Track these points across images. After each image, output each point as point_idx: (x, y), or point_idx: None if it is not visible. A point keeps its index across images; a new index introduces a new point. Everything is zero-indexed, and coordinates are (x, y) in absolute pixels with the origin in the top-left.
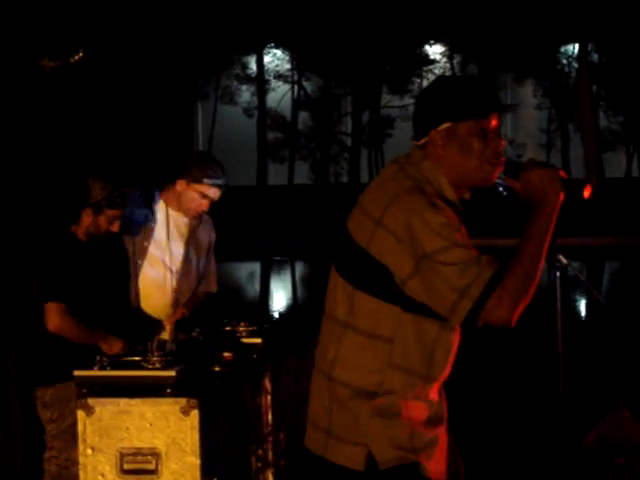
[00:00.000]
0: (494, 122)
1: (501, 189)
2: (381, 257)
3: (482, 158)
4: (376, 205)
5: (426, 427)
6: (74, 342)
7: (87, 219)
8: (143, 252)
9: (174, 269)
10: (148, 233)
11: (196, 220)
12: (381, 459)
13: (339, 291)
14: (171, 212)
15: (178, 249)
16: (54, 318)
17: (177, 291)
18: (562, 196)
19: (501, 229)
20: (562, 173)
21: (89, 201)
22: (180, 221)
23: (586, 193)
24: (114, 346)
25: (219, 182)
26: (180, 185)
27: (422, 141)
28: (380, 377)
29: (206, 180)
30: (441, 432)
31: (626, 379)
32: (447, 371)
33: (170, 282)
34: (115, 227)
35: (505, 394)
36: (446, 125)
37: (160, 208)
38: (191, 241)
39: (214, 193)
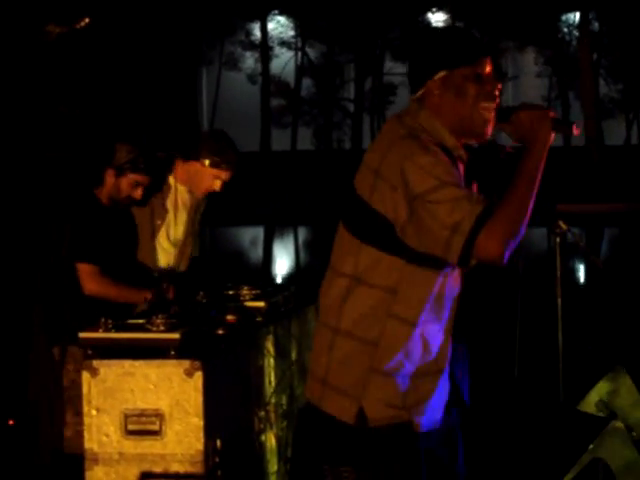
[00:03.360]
0: (488, 67)
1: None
2: (382, 208)
3: (477, 102)
4: (374, 157)
5: (424, 379)
6: (111, 302)
7: (110, 181)
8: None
9: (176, 242)
10: (156, 205)
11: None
12: (372, 416)
13: (345, 245)
14: (179, 187)
15: (181, 223)
16: (89, 281)
17: (177, 263)
18: (552, 135)
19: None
20: (551, 113)
21: (113, 163)
22: (187, 196)
23: (575, 131)
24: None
25: (233, 166)
26: (194, 166)
27: (419, 93)
28: (382, 328)
29: (223, 164)
30: (440, 382)
31: (624, 343)
32: (450, 323)
33: (173, 254)
34: (138, 193)
35: (503, 357)
36: (441, 74)
37: (169, 182)
38: (192, 214)
39: (228, 175)
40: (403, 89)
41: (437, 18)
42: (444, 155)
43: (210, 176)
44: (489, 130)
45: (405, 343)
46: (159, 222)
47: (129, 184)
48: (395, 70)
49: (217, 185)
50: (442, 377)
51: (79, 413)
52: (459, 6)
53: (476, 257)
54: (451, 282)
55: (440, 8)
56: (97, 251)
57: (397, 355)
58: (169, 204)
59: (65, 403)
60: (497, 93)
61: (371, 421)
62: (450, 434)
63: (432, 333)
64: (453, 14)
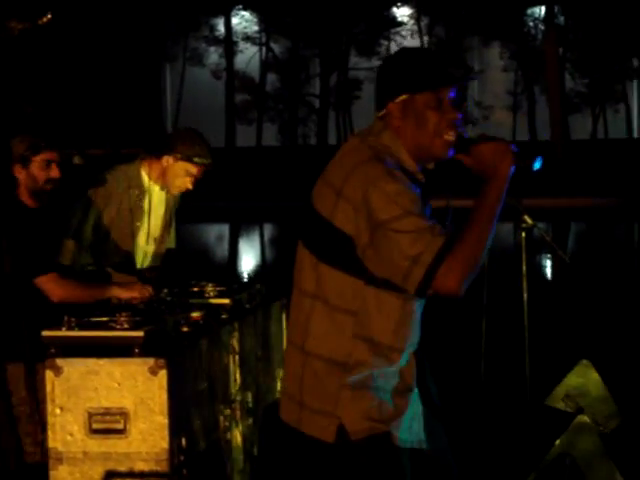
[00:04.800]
0: (450, 94)
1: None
2: (343, 228)
3: (437, 130)
4: (337, 176)
5: (396, 397)
6: (83, 303)
7: (22, 176)
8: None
9: (153, 239)
10: (134, 204)
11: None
12: (352, 430)
13: (306, 264)
14: (153, 186)
15: (158, 221)
16: (53, 288)
17: (155, 258)
18: (512, 169)
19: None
20: (512, 147)
21: (15, 158)
22: (161, 194)
23: (536, 165)
24: (137, 288)
25: (206, 161)
26: (166, 161)
27: (382, 113)
28: (348, 348)
29: (196, 159)
30: (411, 401)
31: (591, 337)
32: (414, 340)
33: (151, 253)
34: (54, 172)
35: (471, 353)
36: (403, 97)
37: (142, 179)
38: (168, 212)
39: (199, 171)
40: (368, 84)
41: (402, 12)
42: (408, 181)
43: (182, 171)
44: (447, 155)
45: (372, 362)
46: (138, 224)
47: (40, 167)
48: (360, 65)
49: (189, 182)
50: (412, 394)
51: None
52: (424, 1)
53: (434, 289)
54: (416, 304)
55: (405, 2)
56: (41, 259)
57: (366, 373)
58: (146, 204)
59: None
60: (458, 122)
61: (351, 434)
62: (441, 459)
63: (399, 353)
64: (418, 9)
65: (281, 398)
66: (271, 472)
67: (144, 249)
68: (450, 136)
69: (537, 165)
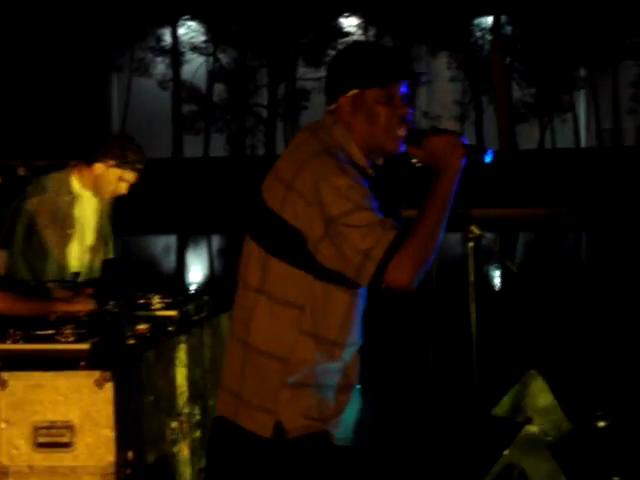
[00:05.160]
0: (401, 90)
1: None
2: (294, 222)
3: (388, 126)
4: (287, 170)
5: (337, 394)
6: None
7: None
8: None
9: (87, 247)
10: (65, 211)
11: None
12: (289, 427)
13: (253, 258)
14: (85, 192)
15: (91, 229)
16: None
17: (92, 268)
18: (464, 162)
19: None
20: (464, 139)
21: None
22: (93, 201)
23: (487, 158)
24: (80, 302)
25: (139, 166)
26: (99, 168)
27: (332, 107)
28: (292, 344)
29: (127, 164)
30: (353, 398)
31: (538, 347)
32: (358, 337)
33: (86, 261)
34: None
35: (417, 363)
36: (353, 92)
37: (73, 186)
38: (101, 219)
39: (133, 176)
40: (316, 95)
41: (350, 23)
42: (358, 175)
43: (115, 177)
44: (398, 150)
45: (315, 359)
46: (69, 231)
47: None
48: (308, 75)
49: (123, 187)
50: (354, 392)
51: None
52: (371, 11)
53: (386, 283)
54: (361, 299)
55: (353, 13)
56: None
57: (308, 370)
58: (77, 212)
59: None
60: (408, 117)
61: (288, 432)
62: (370, 455)
63: (343, 349)
64: (366, 19)
65: (219, 391)
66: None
67: (80, 258)
68: (401, 131)
69: (488, 158)
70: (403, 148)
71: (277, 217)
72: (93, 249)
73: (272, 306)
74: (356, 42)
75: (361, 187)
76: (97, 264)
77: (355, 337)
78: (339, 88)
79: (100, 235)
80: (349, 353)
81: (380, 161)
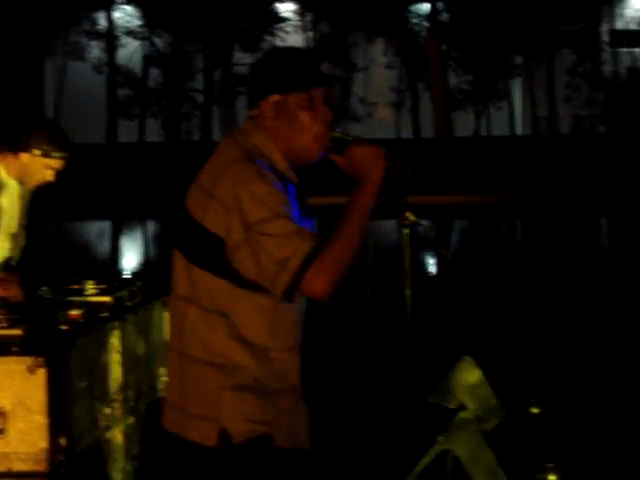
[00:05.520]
0: (323, 93)
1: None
2: (214, 229)
3: (310, 130)
4: (208, 177)
5: (278, 396)
6: None
7: None
8: None
9: (9, 235)
10: None
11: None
12: (233, 433)
13: (179, 267)
14: (10, 181)
15: (15, 216)
16: None
17: (13, 255)
18: (384, 174)
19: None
20: (384, 152)
21: None
22: (19, 189)
23: (408, 172)
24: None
25: (65, 154)
26: (25, 157)
27: (253, 112)
28: (225, 350)
29: (54, 154)
30: (293, 401)
31: (473, 333)
32: (294, 339)
33: (9, 249)
34: None
35: (353, 352)
36: (275, 97)
37: (0, 176)
38: (24, 206)
39: (59, 164)
40: None
41: (286, 8)
42: (278, 182)
43: (41, 166)
44: (320, 155)
45: (251, 364)
46: None
47: None
48: (244, 61)
49: (50, 175)
50: (295, 394)
51: None
52: None
53: (302, 293)
54: (292, 304)
55: None
56: None
57: (246, 374)
58: (3, 200)
59: None
60: (329, 122)
61: (233, 437)
62: (313, 456)
63: (278, 352)
64: (302, 5)
65: (164, 406)
66: (153, 473)
67: (3, 246)
68: (323, 136)
69: (408, 172)
70: (325, 154)
71: (199, 225)
72: (14, 236)
73: (201, 314)
74: (276, 48)
75: (280, 194)
76: (17, 251)
77: (290, 340)
78: (260, 94)
79: (21, 222)
80: (286, 356)
81: (303, 165)
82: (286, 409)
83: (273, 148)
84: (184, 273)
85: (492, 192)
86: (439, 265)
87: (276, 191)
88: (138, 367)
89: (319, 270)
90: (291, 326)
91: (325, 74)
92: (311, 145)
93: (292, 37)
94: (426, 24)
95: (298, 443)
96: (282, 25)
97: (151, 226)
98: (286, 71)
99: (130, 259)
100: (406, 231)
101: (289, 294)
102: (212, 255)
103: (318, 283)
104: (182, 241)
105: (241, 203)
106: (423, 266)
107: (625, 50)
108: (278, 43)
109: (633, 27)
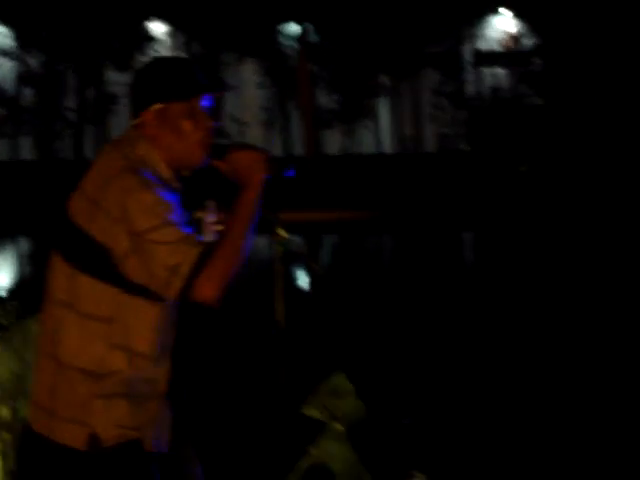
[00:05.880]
0: (204, 103)
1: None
2: (100, 237)
3: (192, 139)
4: (93, 186)
5: (149, 402)
6: None
7: None
8: None
9: None
10: None
11: None
12: (103, 437)
13: (59, 273)
14: None
15: None
16: None
17: None
18: (266, 177)
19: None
20: (267, 155)
21: None
22: None
23: (289, 174)
24: None
25: None
26: None
27: (137, 121)
28: (101, 357)
29: None
30: (160, 406)
31: (345, 348)
32: (168, 347)
33: None
34: None
35: (228, 367)
36: (157, 106)
37: None
38: None
39: None
40: (124, 99)
41: (157, 28)
42: (163, 190)
43: None
44: (203, 163)
45: (125, 370)
46: None
47: None
48: (116, 79)
49: None
50: (163, 400)
51: None
52: (179, 17)
53: (192, 298)
54: (170, 312)
55: (160, 18)
56: None
57: (118, 381)
58: None
59: None
60: (213, 130)
61: (102, 442)
62: (183, 459)
63: (153, 360)
64: (174, 25)
65: (31, 408)
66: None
67: None
68: (205, 144)
69: (290, 174)
70: (208, 162)
71: (84, 234)
72: None
73: (80, 320)
74: (158, 58)
75: (166, 202)
76: None
77: (166, 347)
78: (143, 103)
79: None
80: (160, 363)
81: (186, 173)
82: (154, 414)
83: (157, 158)
84: (64, 279)
85: (361, 208)
86: (311, 281)
87: (162, 199)
88: (13, 385)
89: (209, 275)
90: (169, 333)
91: (206, 83)
92: (194, 152)
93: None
94: (295, 45)
95: (162, 447)
96: (154, 44)
97: (24, 244)
98: (168, 80)
99: (3, 278)
100: (279, 248)
101: (181, 299)
102: (98, 262)
103: (208, 288)
104: (65, 247)
105: (128, 213)
106: (294, 282)
107: (488, 70)
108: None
109: (495, 48)
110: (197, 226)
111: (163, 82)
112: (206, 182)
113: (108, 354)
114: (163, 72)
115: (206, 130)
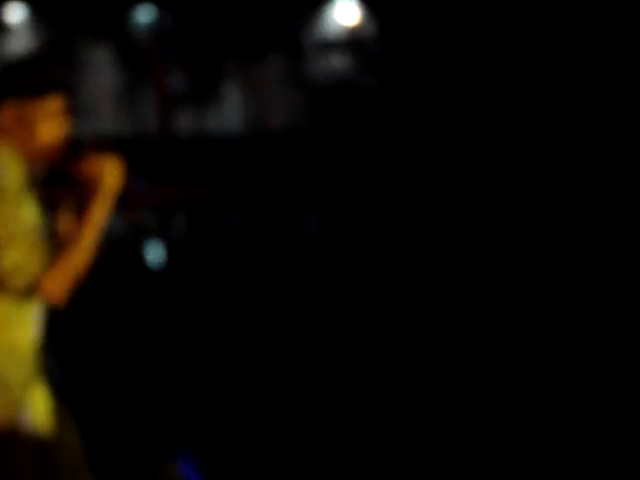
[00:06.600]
0: (58, 102)
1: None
2: None
3: (45, 137)
4: None
5: None
6: None
7: None
8: None
9: None
10: None
11: None
12: None
13: None
14: None
15: None
16: None
17: None
18: (118, 183)
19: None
20: (120, 161)
21: None
22: None
23: (140, 189)
24: None
25: None
26: None
27: None
28: None
29: None
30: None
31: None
32: (32, 341)
33: None
34: None
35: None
36: (10, 104)
37: None
38: None
39: None
40: None
41: (15, 15)
42: (11, 194)
43: None
44: (56, 161)
45: None
46: None
47: None
48: None
49: None
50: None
51: None
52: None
53: (40, 299)
54: (25, 308)
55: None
56: None
57: None
58: None
59: None
60: (64, 127)
61: None
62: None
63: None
64: (31, 10)
65: None
66: None
67: None
68: (57, 141)
69: (140, 189)
70: (61, 161)
71: None
72: None
73: None
74: (12, 57)
75: (13, 206)
76: None
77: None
78: None
79: None
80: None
81: (42, 171)
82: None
83: (8, 156)
84: None
85: (211, 186)
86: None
87: (6, 199)
88: None
89: (56, 277)
90: (30, 330)
91: (58, 82)
92: (47, 151)
93: (19, 41)
94: (147, 27)
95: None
96: (9, 30)
97: None
98: (22, 78)
99: None
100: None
101: (26, 298)
102: None
103: (53, 288)
104: None
105: None
106: (146, 260)
107: (332, 55)
108: (4, 48)
109: (338, 33)
110: (46, 225)
111: (17, 79)
112: (58, 181)
113: None
114: (16, 69)
115: (60, 127)
